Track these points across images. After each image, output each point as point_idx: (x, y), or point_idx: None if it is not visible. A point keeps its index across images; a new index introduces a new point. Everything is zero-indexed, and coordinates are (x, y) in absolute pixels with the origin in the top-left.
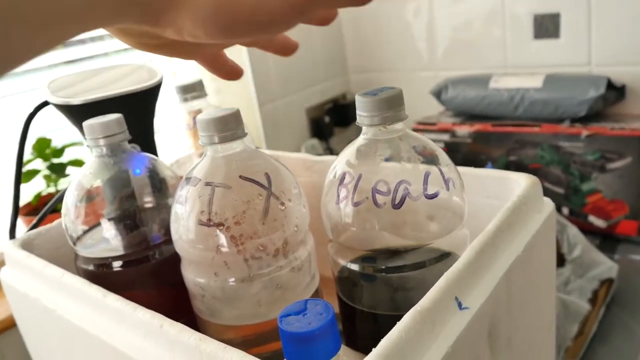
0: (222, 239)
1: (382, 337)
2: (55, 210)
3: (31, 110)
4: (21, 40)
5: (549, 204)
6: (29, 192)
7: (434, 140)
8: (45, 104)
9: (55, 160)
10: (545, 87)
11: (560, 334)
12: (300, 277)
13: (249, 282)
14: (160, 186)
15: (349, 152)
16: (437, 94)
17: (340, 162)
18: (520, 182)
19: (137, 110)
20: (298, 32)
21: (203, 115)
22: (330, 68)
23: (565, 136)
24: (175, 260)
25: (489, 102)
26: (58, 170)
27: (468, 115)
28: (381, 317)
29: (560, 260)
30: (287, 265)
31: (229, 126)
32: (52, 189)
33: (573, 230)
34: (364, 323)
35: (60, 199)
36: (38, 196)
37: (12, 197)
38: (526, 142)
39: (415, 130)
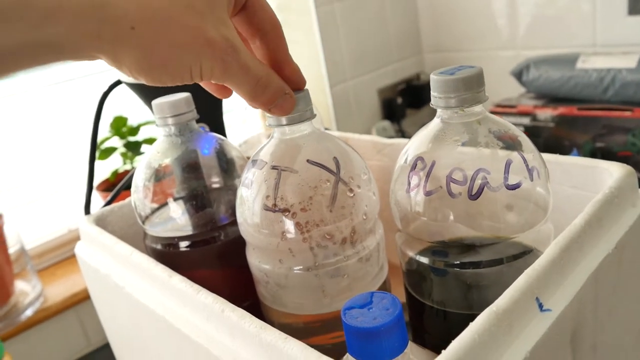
0: (288, 225)
1: (453, 336)
2: (129, 187)
3: (105, 89)
4: None
5: None
6: (107, 168)
7: (514, 124)
8: (118, 82)
9: (131, 139)
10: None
11: None
12: (367, 268)
13: (314, 271)
14: (227, 167)
15: (422, 136)
16: (518, 74)
17: (412, 147)
18: (612, 172)
19: (211, 104)
20: (371, 9)
21: None
22: (403, 47)
23: None
24: (241, 241)
25: (575, 84)
26: (133, 148)
27: (551, 98)
28: (452, 315)
29: None
30: (355, 255)
31: (297, 107)
32: (128, 166)
33: None
34: (432, 319)
35: (132, 177)
36: (115, 173)
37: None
38: (615, 127)
39: (493, 113)
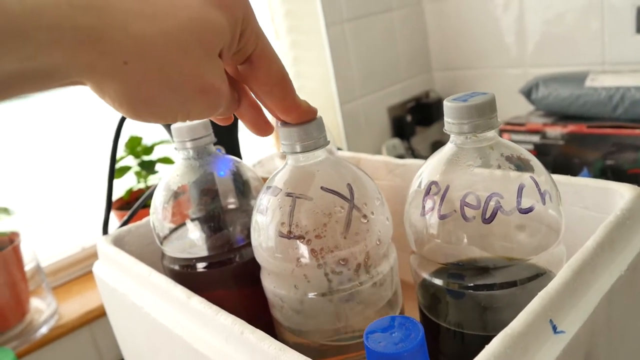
0: (302, 251)
1: (468, 358)
2: (146, 206)
3: None
4: None
5: None
6: (121, 187)
7: (523, 142)
8: None
9: (146, 158)
10: None
11: None
12: (382, 292)
13: (329, 296)
14: (243, 188)
15: (435, 160)
16: (527, 92)
17: (427, 171)
18: (622, 194)
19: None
20: (380, 28)
21: (284, 125)
22: (412, 65)
23: None
24: (257, 262)
25: (584, 102)
26: (148, 167)
27: (560, 116)
28: (467, 336)
29: None
30: (369, 280)
31: (311, 135)
32: (142, 185)
33: None
34: (447, 340)
35: (149, 196)
36: (130, 191)
37: (105, 193)
38: (625, 145)
39: (502, 131)
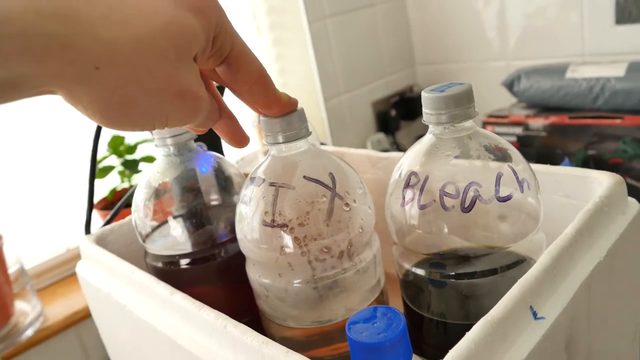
0: (286, 240)
1: (451, 346)
2: (128, 205)
3: None
4: None
5: (634, 205)
6: (105, 187)
7: (506, 134)
8: None
9: (129, 157)
10: (628, 76)
11: None
12: (365, 280)
13: (313, 284)
14: (225, 184)
15: (415, 151)
16: (509, 85)
17: (406, 162)
18: (601, 181)
19: None
20: (362, 24)
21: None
22: (396, 60)
23: None
24: (241, 258)
25: (565, 93)
26: (131, 167)
27: (542, 108)
28: (450, 326)
29: None
30: (352, 267)
31: (293, 126)
32: (126, 184)
33: None
34: (430, 330)
35: (131, 195)
36: (113, 191)
37: (87, 193)
38: (606, 135)
39: (485, 123)
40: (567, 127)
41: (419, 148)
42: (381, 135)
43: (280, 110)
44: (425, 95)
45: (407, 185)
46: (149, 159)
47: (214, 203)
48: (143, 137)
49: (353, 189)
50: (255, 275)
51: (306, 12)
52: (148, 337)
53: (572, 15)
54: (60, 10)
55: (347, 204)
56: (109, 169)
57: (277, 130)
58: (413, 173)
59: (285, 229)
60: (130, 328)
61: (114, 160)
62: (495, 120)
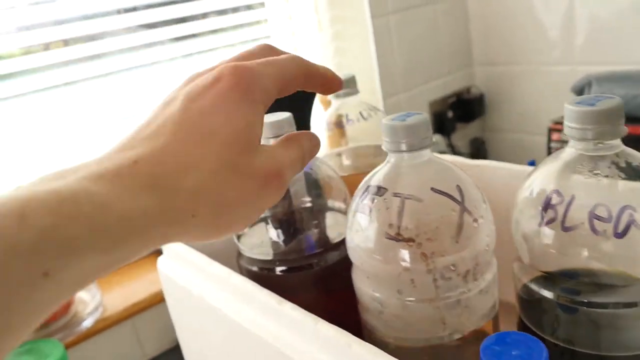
0: (412, 255)
1: None
2: None
3: None
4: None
5: None
6: None
7: None
8: None
9: None
10: None
11: None
12: (486, 300)
13: (435, 303)
14: (326, 187)
15: (550, 168)
16: (579, 91)
17: (540, 178)
18: None
19: (298, 107)
20: (424, 21)
21: (390, 119)
22: (454, 60)
23: None
24: (339, 266)
25: None
26: None
27: None
28: (578, 354)
29: None
30: (475, 287)
31: (418, 134)
32: None
33: None
34: (554, 355)
35: None
36: None
37: None
38: None
39: (552, 130)
40: None
41: (557, 165)
42: (438, 137)
43: (339, 84)
44: (570, 108)
45: (548, 204)
46: None
47: (310, 206)
48: None
49: (479, 203)
50: (368, 289)
51: (370, 7)
52: (246, 344)
53: None
54: (144, 184)
55: (475, 220)
56: None
57: (400, 137)
58: (555, 191)
59: (411, 243)
60: (225, 332)
61: None
62: (561, 127)
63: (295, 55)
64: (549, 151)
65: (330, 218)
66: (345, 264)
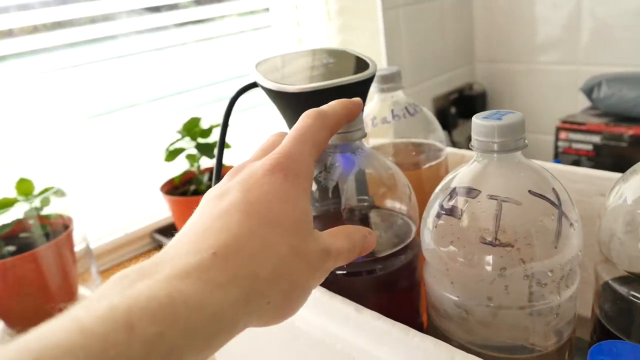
0: (510, 261)
1: None
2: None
3: (237, 90)
4: None
5: None
6: (171, 171)
7: (582, 142)
8: (253, 85)
9: (202, 140)
10: None
11: None
12: (572, 308)
13: (528, 310)
14: (390, 186)
15: None
16: (589, 91)
17: (634, 185)
18: None
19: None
20: (431, 15)
21: (482, 118)
22: (458, 56)
23: None
24: (407, 268)
25: None
26: (205, 150)
27: (620, 117)
28: None
29: None
30: (566, 293)
31: (515, 134)
32: (194, 169)
33: None
34: None
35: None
36: (184, 174)
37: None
38: None
39: (560, 129)
40: None
41: None
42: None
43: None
44: None
45: None
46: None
47: (364, 207)
48: (218, 121)
49: (572, 207)
50: (452, 295)
51: None
52: (314, 351)
53: None
54: (228, 275)
55: (571, 224)
56: (178, 152)
57: (495, 137)
58: None
59: (509, 248)
60: (283, 339)
61: (186, 143)
62: (570, 126)
63: (312, 114)
64: (556, 150)
65: (388, 220)
66: (406, 269)
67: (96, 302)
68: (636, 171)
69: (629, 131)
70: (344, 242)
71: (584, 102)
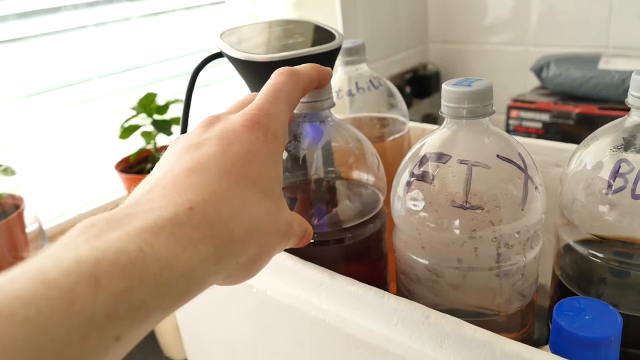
0: (479, 223)
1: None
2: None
3: (202, 59)
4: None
5: None
6: (126, 148)
7: (532, 120)
8: (217, 55)
9: (158, 117)
10: None
11: None
12: (535, 268)
13: (495, 271)
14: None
15: (610, 140)
16: (538, 71)
17: (601, 150)
18: None
19: None
20: None
21: (452, 85)
22: (412, 36)
23: None
24: (369, 239)
25: (596, 84)
26: (162, 128)
27: (567, 96)
28: (626, 317)
29: None
30: (531, 254)
31: (484, 100)
32: (150, 147)
33: None
34: None
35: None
36: (139, 152)
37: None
38: None
39: (511, 107)
40: (596, 117)
41: (615, 136)
42: None
43: (325, 77)
44: (638, 78)
45: (617, 173)
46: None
47: (327, 178)
48: (175, 97)
49: (536, 171)
50: (423, 259)
51: None
52: (290, 322)
53: (599, 6)
54: (204, 234)
55: (536, 187)
56: (133, 129)
57: (464, 103)
58: (623, 160)
59: (480, 211)
60: (260, 311)
61: (141, 120)
62: (521, 105)
63: (286, 71)
64: (507, 128)
65: (356, 190)
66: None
67: (61, 251)
68: (596, 137)
69: (575, 109)
70: (300, 225)
71: (533, 82)
